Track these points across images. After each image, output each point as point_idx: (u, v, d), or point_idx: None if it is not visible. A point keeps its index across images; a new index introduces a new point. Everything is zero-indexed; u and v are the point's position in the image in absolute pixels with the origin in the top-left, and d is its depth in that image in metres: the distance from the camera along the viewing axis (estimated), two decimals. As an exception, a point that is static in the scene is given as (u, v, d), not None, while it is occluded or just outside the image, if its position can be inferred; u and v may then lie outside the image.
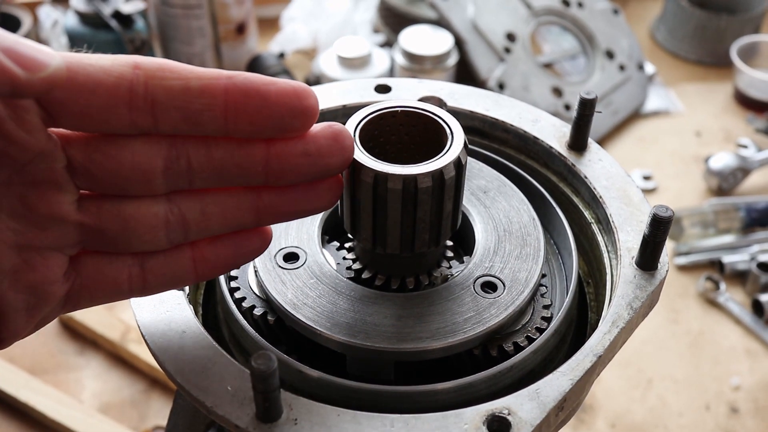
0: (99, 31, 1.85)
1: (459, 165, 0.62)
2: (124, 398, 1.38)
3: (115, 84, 0.46)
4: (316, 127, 0.53)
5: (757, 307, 1.60)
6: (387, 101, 0.67)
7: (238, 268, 0.61)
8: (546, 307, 0.68)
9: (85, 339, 1.48)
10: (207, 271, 0.57)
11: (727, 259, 1.67)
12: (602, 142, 2.01)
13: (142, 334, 0.62)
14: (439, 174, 0.61)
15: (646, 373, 1.49)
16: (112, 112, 0.47)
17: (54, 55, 0.44)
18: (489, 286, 0.67)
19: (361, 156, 0.61)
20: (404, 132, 0.68)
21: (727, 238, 1.73)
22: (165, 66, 0.48)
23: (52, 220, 0.50)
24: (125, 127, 0.48)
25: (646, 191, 1.89)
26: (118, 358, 1.43)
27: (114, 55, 0.48)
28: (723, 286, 1.64)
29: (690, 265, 1.69)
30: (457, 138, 0.63)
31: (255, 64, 2.03)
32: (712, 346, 1.54)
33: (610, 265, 0.71)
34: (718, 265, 1.68)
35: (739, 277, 1.67)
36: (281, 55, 2.13)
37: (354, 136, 0.63)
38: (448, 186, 0.62)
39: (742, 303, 1.62)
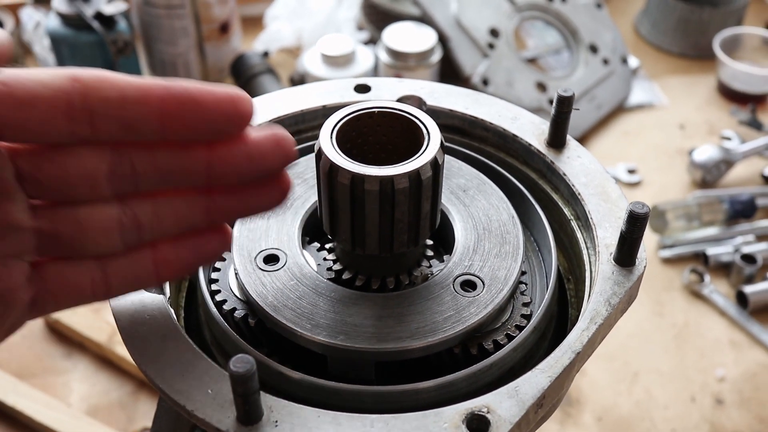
0: (81, 32, 1.84)
1: (436, 165, 0.62)
2: (112, 400, 1.38)
3: (52, 96, 0.48)
4: (259, 131, 0.55)
5: (741, 299, 1.61)
6: (366, 101, 0.67)
7: (199, 268, 0.62)
8: (526, 304, 0.69)
9: (71, 342, 1.48)
10: (168, 272, 0.58)
11: (712, 251, 1.68)
12: (586, 136, 2.02)
13: (122, 338, 0.62)
14: (415, 174, 0.61)
15: (632, 367, 1.50)
16: (51, 124, 0.48)
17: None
18: (468, 285, 0.67)
19: (338, 158, 0.61)
20: (382, 132, 0.68)
21: (711, 231, 1.74)
22: (103, 77, 0.49)
23: (7, 228, 0.51)
24: (65, 138, 0.50)
25: (631, 185, 1.89)
26: (105, 360, 1.43)
27: (53, 69, 0.49)
28: (707, 278, 1.65)
29: (675, 258, 1.70)
30: (434, 138, 0.63)
31: (239, 63, 2.03)
32: (697, 338, 1.56)
33: (589, 262, 0.72)
34: (702, 258, 1.69)
35: (724, 268, 1.68)
36: (265, 54, 2.13)
37: (331, 137, 0.63)
38: (425, 186, 0.62)
39: (727, 295, 1.63)
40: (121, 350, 1.43)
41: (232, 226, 0.67)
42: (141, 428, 1.35)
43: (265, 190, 0.57)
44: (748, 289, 1.60)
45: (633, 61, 2.22)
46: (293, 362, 0.64)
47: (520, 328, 0.66)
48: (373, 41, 2.12)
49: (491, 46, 1.95)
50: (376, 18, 2.13)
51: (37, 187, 0.52)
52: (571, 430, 1.39)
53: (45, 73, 0.48)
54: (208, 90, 0.51)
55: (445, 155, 0.78)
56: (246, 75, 1.99)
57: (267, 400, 0.57)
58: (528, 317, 0.68)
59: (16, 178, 0.51)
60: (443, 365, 0.66)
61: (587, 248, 0.73)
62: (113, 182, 0.53)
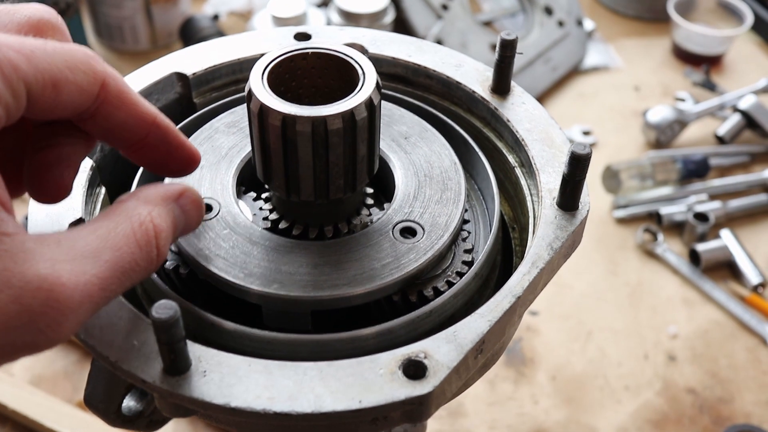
0: (21, -7, 1.78)
1: (371, 105, 0.60)
2: (57, 370, 1.34)
3: (80, 93, 0.52)
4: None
5: (693, 257, 1.62)
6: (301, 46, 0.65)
7: None
8: (467, 251, 0.67)
9: (16, 311, 1.44)
10: None
11: (665, 210, 1.68)
12: (542, 98, 2.00)
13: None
14: (349, 115, 0.59)
15: (586, 325, 1.50)
16: (66, 111, 0.52)
17: None
18: (408, 232, 0.65)
19: (269, 98, 0.59)
20: (317, 75, 0.65)
21: (665, 190, 1.75)
22: (122, 92, 0.54)
23: None
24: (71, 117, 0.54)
25: (586, 146, 1.89)
26: (50, 329, 1.39)
27: (91, 65, 0.52)
28: (661, 237, 1.65)
29: (629, 218, 1.70)
30: (369, 78, 0.61)
31: (188, 27, 1.97)
32: (651, 297, 1.56)
33: (533, 208, 0.70)
34: (656, 217, 1.70)
35: (677, 227, 1.68)
36: (215, 17, 2.08)
37: (262, 78, 0.61)
38: (360, 128, 0.60)
39: (680, 253, 1.63)
40: (68, 319, 1.39)
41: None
42: (88, 397, 1.31)
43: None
44: (701, 247, 1.60)
45: (588, 24, 2.21)
46: (228, 316, 0.62)
47: (462, 275, 0.65)
48: (325, 4, 2.08)
49: (445, 7, 1.92)
50: (329, -20, 2.08)
51: None
52: (525, 389, 1.38)
53: (83, 71, 0.51)
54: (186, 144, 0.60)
55: (389, 103, 0.76)
56: (195, 39, 1.93)
57: (195, 350, 0.55)
58: (470, 264, 0.66)
59: None
60: (383, 314, 0.64)
61: (531, 195, 0.71)
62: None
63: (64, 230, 0.57)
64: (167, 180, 0.67)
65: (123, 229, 0.50)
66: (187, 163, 0.60)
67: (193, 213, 0.58)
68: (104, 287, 0.48)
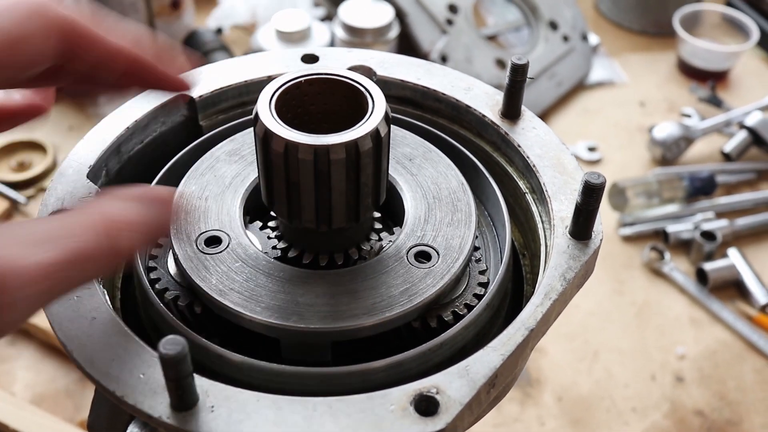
0: (25, 8, 1.77)
1: (377, 137, 0.59)
2: (59, 389, 1.33)
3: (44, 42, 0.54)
4: None
5: (701, 276, 1.60)
6: (308, 70, 0.64)
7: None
8: (482, 272, 0.66)
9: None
10: None
11: (672, 228, 1.67)
12: (547, 113, 1.99)
13: (49, 321, 0.58)
14: (353, 146, 0.58)
15: (592, 345, 1.48)
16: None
17: None
18: (423, 256, 0.64)
19: (274, 124, 0.58)
20: (323, 101, 0.64)
21: (671, 208, 1.73)
22: (90, 39, 0.56)
23: None
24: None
25: (591, 163, 1.88)
26: (51, 347, 1.38)
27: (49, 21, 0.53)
28: (668, 255, 1.63)
29: (635, 236, 1.69)
30: (378, 107, 0.60)
31: (192, 41, 1.97)
32: (658, 316, 1.54)
33: (545, 236, 0.69)
34: (662, 235, 1.68)
35: (684, 246, 1.67)
36: (219, 31, 2.07)
37: (270, 104, 0.60)
38: (365, 159, 0.59)
39: (687, 272, 1.62)
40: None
41: None
42: (90, 416, 1.30)
43: None
44: (708, 266, 1.59)
45: (593, 39, 2.20)
46: (249, 352, 0.60)
47: (480, 297, 0.64)
48: (329, 18, 2.08)
49: (450, 22, 1.92)
50: (333, -6, 2.08)
51: None
52: (531, 411, 1.37)
53: (35, 22, 0.52)
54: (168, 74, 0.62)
55: (393, 125, 0.75)
56: (199, 52, 1.93)
57: (203, 384, 0.54)
58: (485, 285, 0.65)
59: None
60: (403, 342, 0.63)
61: (542, 222, 0.70)
62: None
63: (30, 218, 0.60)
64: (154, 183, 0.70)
65: (84, 219, 0.50)
66: (178, 82, 0.62)
67: (166, 212, 0.56)
68: (57, 271, 0.48)
